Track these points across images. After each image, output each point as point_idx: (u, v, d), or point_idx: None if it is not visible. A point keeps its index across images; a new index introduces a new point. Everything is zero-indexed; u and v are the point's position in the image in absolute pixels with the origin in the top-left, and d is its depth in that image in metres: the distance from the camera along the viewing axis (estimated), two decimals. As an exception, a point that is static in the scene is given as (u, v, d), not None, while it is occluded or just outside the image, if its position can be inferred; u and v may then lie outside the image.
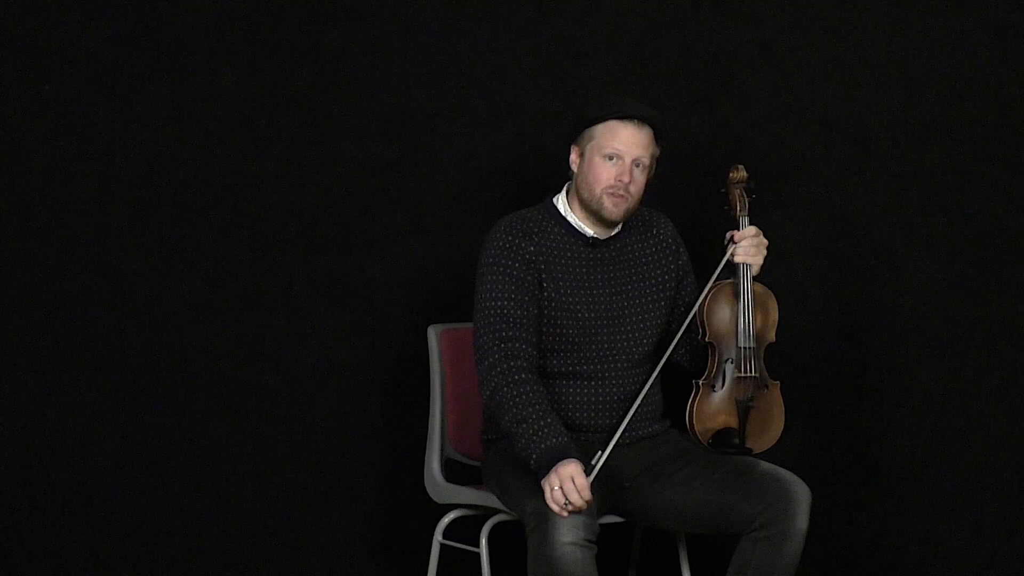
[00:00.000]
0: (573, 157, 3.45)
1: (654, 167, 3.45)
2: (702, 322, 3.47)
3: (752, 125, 4.08)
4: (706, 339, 3.47)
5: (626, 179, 3.37)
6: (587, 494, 3.12)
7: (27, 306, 3.84)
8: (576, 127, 3.44)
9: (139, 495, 3.91)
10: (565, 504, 3.11)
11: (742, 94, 4.08)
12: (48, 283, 3.85)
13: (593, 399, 3.43)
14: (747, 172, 3.53)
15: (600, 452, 3.27)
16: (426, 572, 3.68)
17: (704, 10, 4.07)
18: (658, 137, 3.42)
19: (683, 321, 3.49)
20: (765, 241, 3.48)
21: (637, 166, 3.39)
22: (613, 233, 3.49)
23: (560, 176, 3.52)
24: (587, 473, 3.16)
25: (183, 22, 3.88)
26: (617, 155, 3.37)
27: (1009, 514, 4.08)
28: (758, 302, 3.49)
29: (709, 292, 3.46)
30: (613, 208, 3.40)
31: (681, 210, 3.78)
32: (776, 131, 4.08)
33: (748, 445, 3.46)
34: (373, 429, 4.03)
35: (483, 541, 3.44)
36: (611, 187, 3.38)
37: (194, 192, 3.91)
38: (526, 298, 3.37)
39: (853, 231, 4.10)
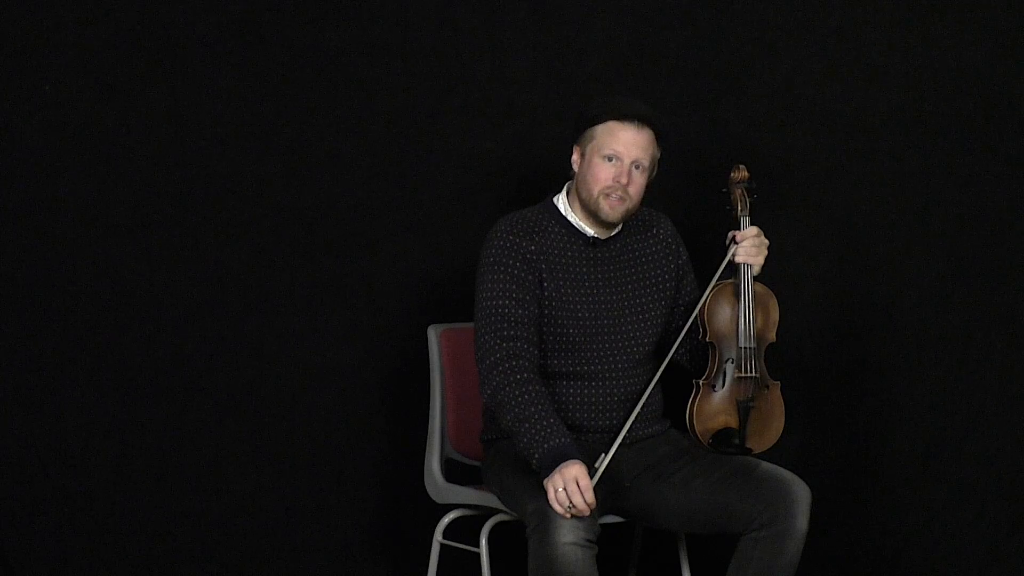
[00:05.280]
0: (575, 157, 3.45)
1: (655, 169, 3.44)
2: (703, 322, 3.47)
3: (752, 125, 4.08)
4: (707, 339, 3.47)
5: (624, 180, 3.37)
6: (591, 496, 3.12)
7: (27, 306, 3.84)
8: (577, 127, 3.44)
9: (139, 495, 3.91)
10: (569, 507, 3.11)
11: (742, 94, 4.08)
12: (48, 283, 3.85)
13: (594, 399, 3.43)
14: (748, 172, 3.53)
15: (603, 454, 3.26)
16: (426, 572, 3.68)
17: (704, 10, 4.07)
18: (659, 139, 3.42)
19: (684, 320, 3.49)
20: (766, 241, 3.48)
21: (636, 167, 3.39)
22: (613, 233, 3.49)
23: (560, 176, 3.52)
24: (590, 476, 3.16)
25: (183, 22, 3.87)
26: (616, 156, 3.37)
27: (1009, 514, 4.08)
28: (759, 302, 3.49)
29: (711, 292, 3.46)
30: (610, 210, 3.40)
31: (681, 210, 3.78)
32: (776, 131, 4.08)
33: (748, 445, 3.46)
34: (373, 429, 4.03)
35: (483, 541, 3.44)
36: (608, 188, 3.38)
37: (194, 192, 3.91)
38: (527, 298, 3.37)
39: (853, 231, 4.10)
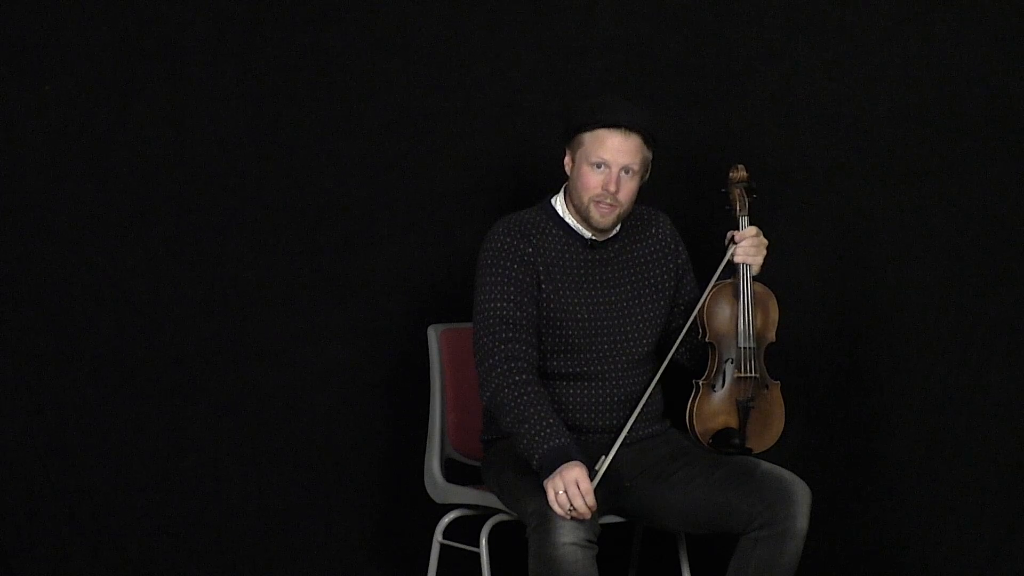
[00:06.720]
0: (567, 161, 3.45)
1: (647, 171, 3.43)
2: (702, 322, 3.47)
3: (752, 125, 4.08)
4: (706, 339, 3.47)
5: (612, 188, 3.36)
6: (591, 499, 3.12)
7: (27, 306, 3.84)
8: (567, 132, 3.43)
9: (139, 495, 3.91)
10: (569, 509, 3.11)
11: (742, 94, 4.08)
12: (48, 283, 3.85)
13: (594, 400, 3.43)
14: (748, 172, 3.53)
15: (604, 456, 3.26)
16: (426, 572, 3.68)
17: (704, 10, 4.07)
18: (649, 141, 3.41)
19: (683, 320, 3.49)
20: (765, 241, 3.48)
21: (626, 172, 3.37)
22: (611, 234, 3.49)
23: (559, 177, 3.52)
24: (591, 478, 3.16)
25: (183, 22, 3.88)
26: (604, 163, 3.36)
27: (1009, 514, 4.08)
28: (758, 302, 3.48)
29: (710, 292, 3.46)
30: (600, 218, 3.40)
31: (681, 210, 3.78)
32: (776, 131, 4.08)
33: (748, 445, 3.46)
34: (373, 429, 4.03)
35: (483, 541, 3.44)
36: (598, 196, 3.37)
37: (194, 192, 3.91)
38: (525, 299, 3.37)
39: (853, 231, 4.10)
